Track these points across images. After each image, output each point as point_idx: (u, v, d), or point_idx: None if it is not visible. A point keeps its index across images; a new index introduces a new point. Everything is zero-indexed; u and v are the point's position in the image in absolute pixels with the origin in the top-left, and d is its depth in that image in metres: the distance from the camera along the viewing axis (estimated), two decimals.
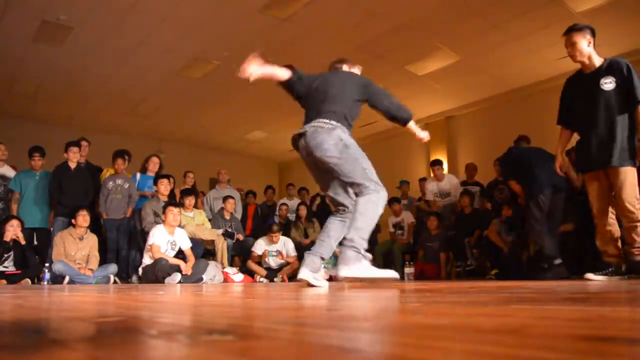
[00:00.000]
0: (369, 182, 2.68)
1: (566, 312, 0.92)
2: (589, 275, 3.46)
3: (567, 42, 3.45)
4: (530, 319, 0.77)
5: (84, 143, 6.20)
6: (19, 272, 4.97)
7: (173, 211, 5.21)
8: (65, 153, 5.78)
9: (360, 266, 2.59)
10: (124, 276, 5.72)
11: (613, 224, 3.44)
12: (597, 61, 3.44)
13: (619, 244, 3.48)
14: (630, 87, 3.29)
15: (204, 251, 5.92)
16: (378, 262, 6.81)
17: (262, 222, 7.72)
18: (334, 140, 2.67)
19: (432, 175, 7.18)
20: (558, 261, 4.30)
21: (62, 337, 0.65)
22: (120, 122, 9.48)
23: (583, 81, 3.50)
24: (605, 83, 3.35)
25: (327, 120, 2.72)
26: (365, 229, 2.63)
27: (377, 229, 7.39)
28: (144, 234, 5.49)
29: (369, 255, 2.67)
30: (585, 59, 3.43)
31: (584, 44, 3.39)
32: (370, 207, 2.66)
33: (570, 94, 3.62)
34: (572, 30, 3.42)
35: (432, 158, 9.06)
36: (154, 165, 6.37)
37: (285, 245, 6.31)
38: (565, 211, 5.37)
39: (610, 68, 3.38)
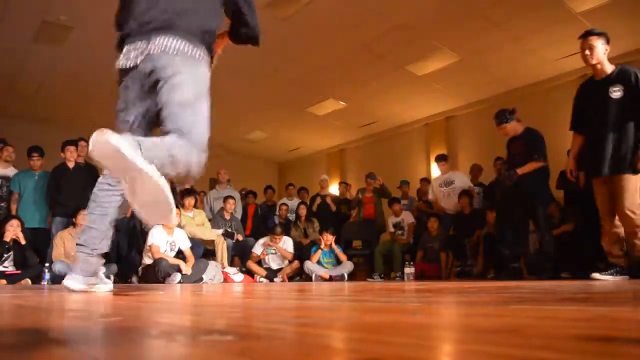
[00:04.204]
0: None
1: (566, 312, 0.92)
2: (595, 275, 3.52)
3: (585, 45, 3.49)
4: (530, 319, 0.77)
5: (82, 143, 6.18)
6: (19, 272, 4.97)
7: None
8: (62, 152, 5.77)
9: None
10: (124, 276, 5.72)
11: (619, 226, 3.49)
12: (608, 68, 3.50)
13: (624, 245, 3.54)
14: (637, 95, 3.35)
15: (204, 251, 5.91)
16: (378, 262, 6.83)
17: (262, 222, 7.72)
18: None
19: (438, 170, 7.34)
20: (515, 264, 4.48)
21: (62, 337, 0.65)
22: None
23: (593, 88, 3.57)
24: (614, 91, 3.41)
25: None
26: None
27: (379, 229, 7.41)
28: (144, 234, 5.49)
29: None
30: (598, 65, 3.49)
31: (602, 49, 3.46)
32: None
33: (582, 100, 3.69)
34: (591, 34, 3.48)
35: (433, 158, 9.08)
36: None
37: (284, 243, 6.32)
38: (565, 211, 5.39)
39: (619, 76, 3.44)
